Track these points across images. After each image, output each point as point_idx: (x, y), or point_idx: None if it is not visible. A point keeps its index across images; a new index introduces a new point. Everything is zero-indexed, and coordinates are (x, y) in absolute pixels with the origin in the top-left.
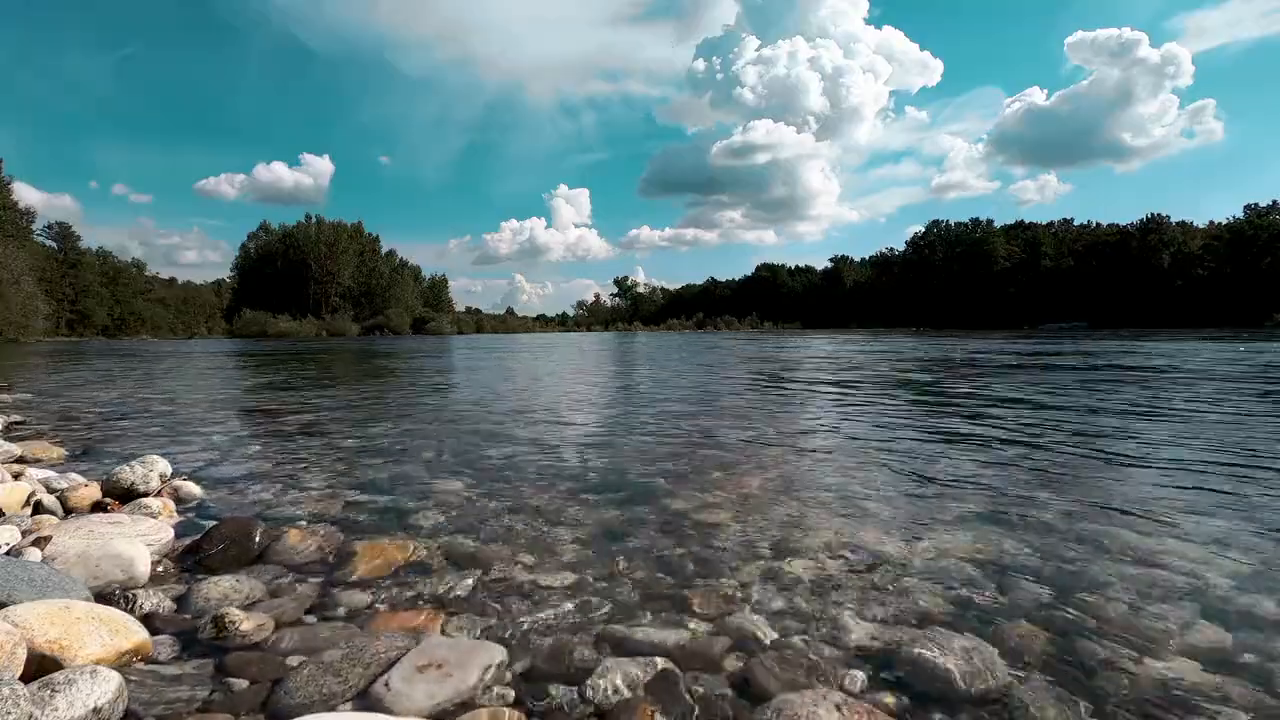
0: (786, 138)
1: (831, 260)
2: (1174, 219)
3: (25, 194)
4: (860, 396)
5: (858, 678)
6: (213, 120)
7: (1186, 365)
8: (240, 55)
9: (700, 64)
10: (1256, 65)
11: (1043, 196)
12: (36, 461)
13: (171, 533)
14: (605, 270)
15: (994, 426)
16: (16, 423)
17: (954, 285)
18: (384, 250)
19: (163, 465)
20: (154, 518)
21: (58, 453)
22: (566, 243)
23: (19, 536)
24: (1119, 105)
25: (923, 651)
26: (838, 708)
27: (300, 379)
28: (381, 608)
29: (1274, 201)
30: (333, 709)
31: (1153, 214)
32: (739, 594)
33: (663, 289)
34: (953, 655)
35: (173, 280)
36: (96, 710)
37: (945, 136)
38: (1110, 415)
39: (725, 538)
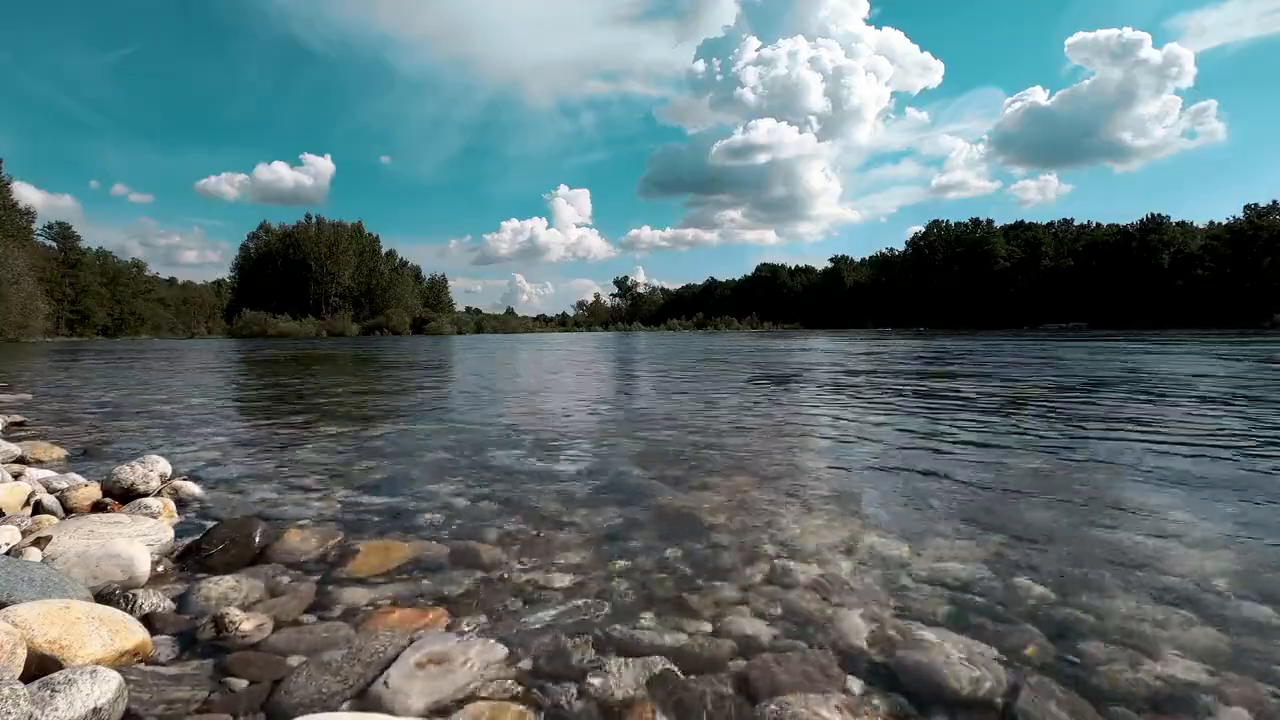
0: (787, 138)
1: (832, 260)
2: (1174, 219)
3: (25, 194)
4: (860, 397)
5: (858, 679)
6: (213, 120)
7: (1186, 366)
8: (240, 55)
9: (700, 64)
10: (1256, 65)
11: (1043, 196)
12: (37, 462)
13: (171, 533)
14: (605, 270)
15: (995, 428)
16: (16, 423)
17: (954, 285)
18: (384, 250)
19: (163, 465)
20: (154, 518)
21: (58, 453)
22: (567, 243)
23: (19, 536)
24: (1120, 105)
25: (923, 653)
26: (838, 709)
27: (300, 379)
28: (382, 606)
29: (1274, 201)
30: (333, 709)
31: (1153, 214)
32: (739, 595)
33: (663, 289)
34: (953, 657)
35: (173, 280)
36: (96, 710)
37: (945, 136)
38: (1110, 416)
39: (726, 539)
